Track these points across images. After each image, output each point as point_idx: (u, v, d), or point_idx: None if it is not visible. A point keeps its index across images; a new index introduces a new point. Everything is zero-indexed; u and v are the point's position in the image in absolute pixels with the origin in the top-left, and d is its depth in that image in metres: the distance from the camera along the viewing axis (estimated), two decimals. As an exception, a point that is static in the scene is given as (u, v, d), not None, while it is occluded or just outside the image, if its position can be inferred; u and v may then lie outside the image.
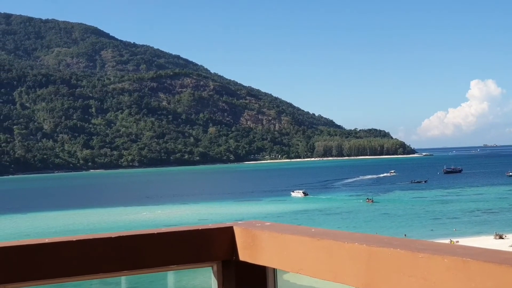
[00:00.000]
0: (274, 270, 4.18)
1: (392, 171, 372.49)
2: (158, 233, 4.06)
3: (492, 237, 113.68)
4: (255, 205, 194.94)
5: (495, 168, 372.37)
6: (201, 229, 4.17)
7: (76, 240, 3.82)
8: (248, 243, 4.12)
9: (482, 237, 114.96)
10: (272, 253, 3.93)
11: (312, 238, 3.58)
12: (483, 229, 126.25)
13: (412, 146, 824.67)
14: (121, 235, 3.99)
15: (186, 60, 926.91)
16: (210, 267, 4.26)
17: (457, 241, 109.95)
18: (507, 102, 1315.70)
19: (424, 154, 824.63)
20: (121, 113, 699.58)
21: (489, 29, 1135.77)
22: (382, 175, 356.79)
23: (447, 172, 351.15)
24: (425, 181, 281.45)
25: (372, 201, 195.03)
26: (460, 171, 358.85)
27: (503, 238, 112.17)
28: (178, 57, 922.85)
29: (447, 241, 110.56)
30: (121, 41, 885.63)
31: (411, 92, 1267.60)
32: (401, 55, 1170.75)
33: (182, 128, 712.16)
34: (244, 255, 4.15)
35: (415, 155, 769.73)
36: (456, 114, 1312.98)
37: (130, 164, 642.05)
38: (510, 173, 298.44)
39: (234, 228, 4.24)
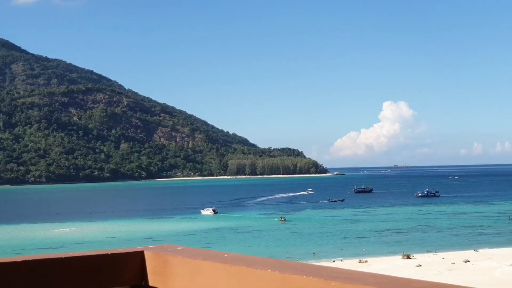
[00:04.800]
0: None
1: (310, 189, 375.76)
2: (66, 257, 3.92)
3: (400, 257, 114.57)
4: (165, 223, 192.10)
5: (404, 189, 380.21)
6: (111, 254, 4.06)
7: None
8: (159, 268, 4.04)
9: (390, 257, 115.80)
10: (183, 279, 3.86)
11: (224, 264, 3.53)
12: (392, 249, 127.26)
13: (325, 166, 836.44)
14: (27, 259, 3.82)
15: (99, 75, 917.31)
16: None
17: (366, 261, 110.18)
18: (418, 124, 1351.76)
19: (336, 173, 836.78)
20: (30, 127, 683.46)
21: (403, 51, 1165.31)
22: (298, 193, 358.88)
23: (358, 192, 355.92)
24: (342, 200, 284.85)
25: (285, 219, 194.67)
26: (370, 190, 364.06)
27: (410, 258, 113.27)
28: (91, 72, 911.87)
29: (356, 260, 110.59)
30: (32, 54, 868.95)
31: (325, 112, 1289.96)
32: (315, 75, 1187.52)
33: (93, 144, 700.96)
34: (154, 281, 4.06)
35: (327, 174, 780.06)
36: (368, 134, 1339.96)
37: (37, 180, 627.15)
38: (419, 194, 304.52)
39: (145, 252, 4.15)
